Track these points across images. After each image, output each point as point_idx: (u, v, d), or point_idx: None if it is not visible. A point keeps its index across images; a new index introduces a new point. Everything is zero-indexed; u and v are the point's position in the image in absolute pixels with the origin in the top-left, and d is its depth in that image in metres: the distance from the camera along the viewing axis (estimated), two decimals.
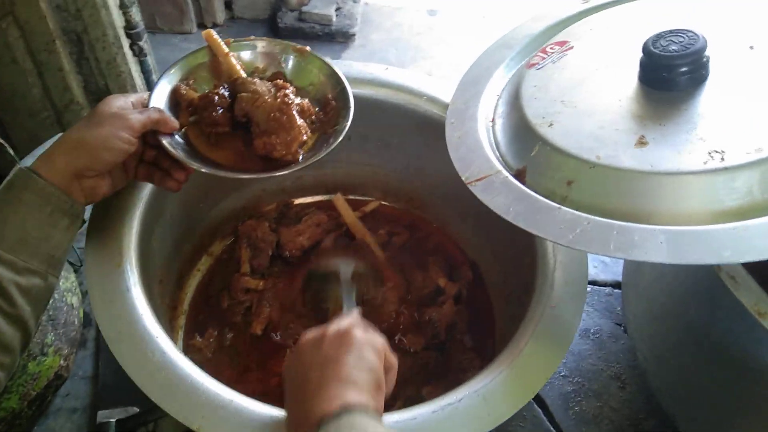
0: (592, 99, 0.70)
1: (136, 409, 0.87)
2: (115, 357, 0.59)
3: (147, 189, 0.73)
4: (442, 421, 0.56)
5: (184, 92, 0.71)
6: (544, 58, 0.78)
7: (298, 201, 1.02)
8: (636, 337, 0.81)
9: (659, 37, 0.66)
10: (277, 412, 0.56)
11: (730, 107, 0.62)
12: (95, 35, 1.57)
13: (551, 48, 0.79)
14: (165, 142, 0.66)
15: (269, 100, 0.70)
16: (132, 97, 0.65)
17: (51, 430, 0.87)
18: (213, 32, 0.77)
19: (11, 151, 1.02)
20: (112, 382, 0.90)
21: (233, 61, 0.75)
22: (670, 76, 0.65)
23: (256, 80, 0.72)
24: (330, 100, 0.75)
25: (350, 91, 0.75)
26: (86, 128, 0.61)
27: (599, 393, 0.89)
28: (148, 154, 0.68)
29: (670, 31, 0.66)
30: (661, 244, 0.56)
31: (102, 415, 0.86)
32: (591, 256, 1.07)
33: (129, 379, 0.88)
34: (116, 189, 0.67)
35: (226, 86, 0.72)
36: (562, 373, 0.91)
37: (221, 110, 0.70)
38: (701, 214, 0.58)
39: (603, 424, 0.86)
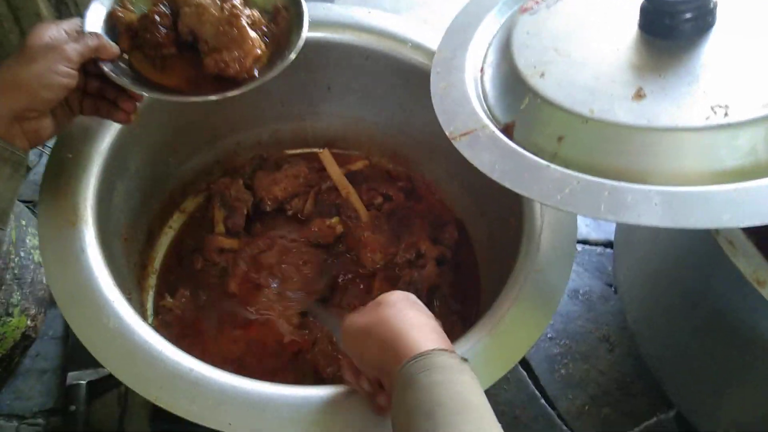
0: (587, 48, 0.65)
1: (108, 371, 0.84)
2: (73, 330, 0.55)
3: (106, 141, 0.68)
4: None
5: (121, 14, 0.64)
6: (538, 3, 0.72)
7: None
8: (626, 299, 0.78)
9: None
10: (240, 381, 0.53)
11: (737, 58, 0.57)
12: None
13: None
14: (107, 69, 0.60)
15: (215, 13, 0.64)
16: (64, 25, 0.59)
17: (20, 391, 0.85)
18: None
19: None
20: (82, 343, 0.87)
21: None
22: (673, 22, 0.60)
23: None
24: (280, 9, 0.69)
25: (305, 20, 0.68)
26: (19, 65, 0.55)
27: (587, 355, 0.87)
28: (90, 85, 0.62)
29: None
30: (655, 206, 0.52)
31: (72, 377, 0.83)
32: None
33: None
34: (62, 128, 0.62)
35: (166, 2, 0.66)
36: (549, 335, 0.88)
37: (164, 30, 0.64)
38: (700, 174, 0.54)
39: (589, 387, 0.84)
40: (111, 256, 0.63)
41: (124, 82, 0.60)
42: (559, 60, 0.65)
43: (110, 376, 0.83)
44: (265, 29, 0.67)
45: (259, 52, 0.65)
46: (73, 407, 0.80)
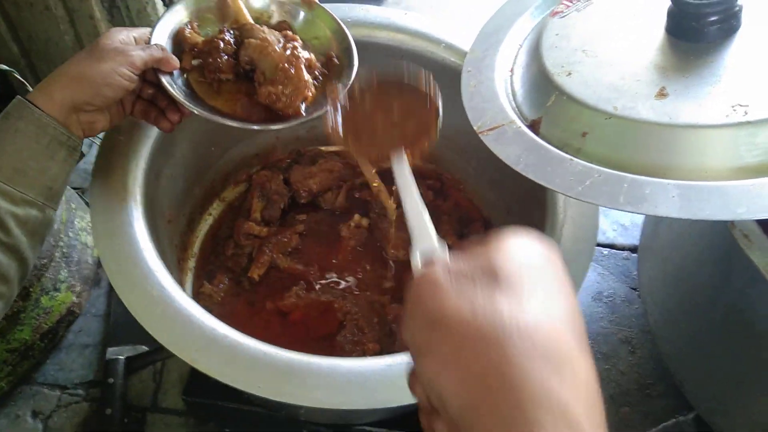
0: (614, 49, 0.67)
1: (145, 348, 0.89)
2: (117, 293, 0.59)
3: (155, 128, 0.73)
4: None
5: (188, 35, 0.69)
6: (569, 6, 0.75)
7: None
8: (648, 301, 0.79)
9: None
10: (271, 349, 0.56)
11: (760, 61, 0.59)
12: None
13: None
14: (164, 81, 0.65)
15: (278, 50, 0.69)
16: (135, 32, 0.64)
17: (63, 363, 0.90)
18: None
19: (21, 78, 1.03)
20: (123, 321, 0.92)
21: (241, 5, 0.73)
22: (699, 25, 0.61)
23: (264, 28, 0.71)
24: (333, 57, 0.74)
25: (355, 49, 0.73)
26: (87, 62, 0.60)
27: (608, 356, 0.88)
28: (145, 91, 0.67)
29: None
30: (672, 198, 0.53)
31: (111, 352, 0.88)
32: (611, 219, 1.04)
33: None
34: (113, 125, 0.66)
35: (232, 32, 0.70)
36: None
37: (225, 57, 0.69)
38: (719, 169, 0.55)
39: (610, 386, 0.85)
40: (156, 234, 0.67)
41: (178, 96, 0.65)
42: (586, 60, 0.67)
43: (147, 353, 0.88)
44: (317, 73, 0.72)
45: (309, 94, 0.69)
46: (111, 380, 0.84)
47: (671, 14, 0.64)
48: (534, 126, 0.67)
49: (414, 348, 0.30)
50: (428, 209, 0.95)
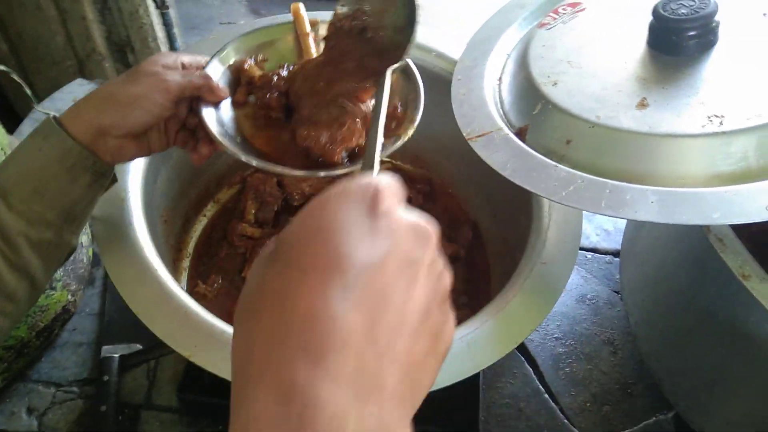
0: (598, 60, 0.70)
1: (139, 346, 0.90)
2: (117, 289, 0.61)
3: None
4: None
5: (248, 67, 0.64)
6: (555, 19, 0.78)
7: None
8: (629, 302, 0.82)
9: (670, 0, 0.65)
10: None
11: (736, 74, 0.62)
12: None
13: (563, 9, 0.79)
14: (203, 111, 0.60)
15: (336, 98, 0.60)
16: (185, 57, 0.60)
17: (57, 361, 0.91)
18: (301, 6, 0.69)
19: (28, 90, 1.04)
20: (117, 320, 0.93)
21: (311, 42, 0.68)
22: (678, 39, 0.65)
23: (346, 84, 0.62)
24: (397, 108, 0.67)
25: (421, 106, 0.67)
26: (122, 84, 0.57)
27: (590, 356, 0.90)
28: (190, 121, 0.62)
29: None
30: (651, 204, 0.56)
31: (106, 350, 0.89)
32: (594, 224, 1.07)
33: (134, 317, 0.92)
34: (152, 152, 0.62)
35: (290, 68, 0.65)
36: (555, 335, 0.92)
37: (276, 93, 0.63)
38: (695, 177, 0.59)
39: (592, 386, 0.87)
40: (153, 233, 0.69)
41: (210, 129, 0.59)
42: (571, 71, 0.70)
43: (141, 352, 0.90)
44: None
45: (356, 143, 0.60)
46: (106, 377, 0.86)
47: (652, 29, 0.67)
48: (521, 133, 0.70)
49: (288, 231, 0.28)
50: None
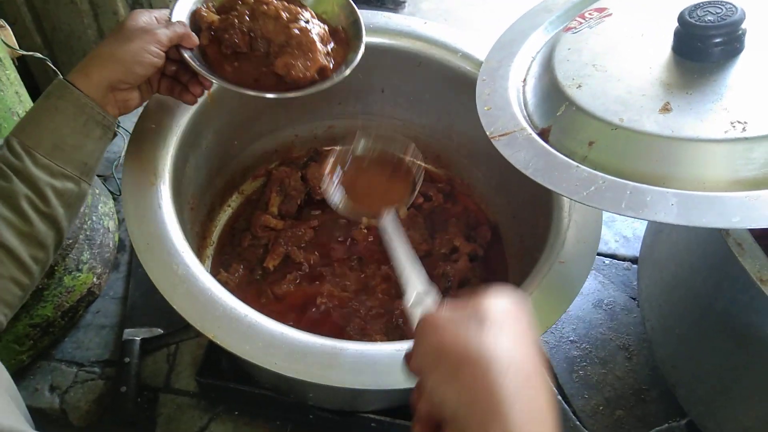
0: (623, 65, 0.71)
1: (160, 331, 0.92)
2: (144, 273, 0.63)
3: (184, 118, 0.77)
4: None
5: (205, 14, 0.72)
6: (581, 23, 0.79)
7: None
8: (646, 307, 0.82)
9: (697, 7, 0.66)
10: (287, 330, 0.60)
11: (760, 81, 0.62)
12: None
13: (590, 14, 0.80)
14: (186, 55, 0.68)
15: (289, 22, 0.71)
16: (156, 13, 0.68)
17: (80, 341, 0.93)
18: None
19: (53, 66, 1.07)
20: (140, 304, 0.95)
21: None
22: (704, 46, 0.65)
23: (276, 2, 0.73)
24: (342, 30, 0.77)
25: (363, 22, 0.76)
26: (117, 43, 0.63)
27: (605, 361, 0.91)
28: (169, 68, 0.70)
29: (709, 2, 0.66)
30: (671, 206, 0.57)
31: (128, 333, 0.91)
32: (613, 230, 1.08)
33: (155, 302, 0.94)
34: (143, 102, 0.70)
35: (244, 7, 0.73)
36: (571, 338, 0.93)
37: (241, 33, 0.71)
38: (716, 181, 0.59)
39: (605, 390, 0.88)
40: (181, 219, 0.71)
41: (200, 69, 0.68)
42: (595, 74, 0.71)
43: (162, 336, 0.92)
44: (328, 47, 0.74)
45: (324, 63, 0.72)
46: (127, 359, 0.88)
47: (678, 35, 0.68)
48: (544, 134, 0.71)
49: (421, 369, 0.40)
50: (438, 212, 0.99)
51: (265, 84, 0.72)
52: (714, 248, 0.66)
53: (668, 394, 0.86)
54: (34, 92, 0.84)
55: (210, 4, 0.75)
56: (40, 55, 1.02)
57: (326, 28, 0.75)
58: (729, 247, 0.58)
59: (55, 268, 0.86)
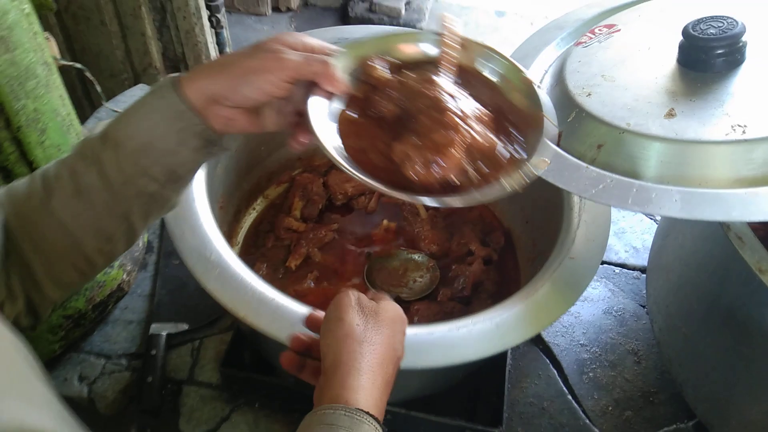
0: (630, 75, 0.75)
1: (186, 326, 0.96)
2: (171, 273, 0.67)
3: None
4: (456, 339, 0.62)
5: (379, 66, 0.60)
6: (591, 38, 0.84)
7: None
8: (654, 310, 0.85)
9: (700, 21, 0.70)
10: (310, 311, 0.64)
11: (760, 89, 0.67)
12: (178, 4, 1.69)
13: (599, 30, 0.84)
14: (310, 101, 0.56)
15: (433, 95, 0.56)
16: (312, 40, 0.57)
17: (108, 335, 0.97)
18: (453, 18, 0.65)
19: (99, 88, 1.13)
20: (166, 302, 1.00)
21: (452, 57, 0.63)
22: (707, 57, 0.69)
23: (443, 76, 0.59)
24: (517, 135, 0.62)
25: (551, 119, 0.63)
26: (240, 56, 0.55)
27: (615, 364, 0.93)
28: (303, 106, 0.58)
29: (712, 17, 0.70)
30: (675, 201, 0.61)
31: (154, 328, 0.96)
32: (623, 241, 1.11)
33: (182, 299, 0.98)
34: (266, 130, 0.60)
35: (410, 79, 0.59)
36: (581, 342, 0.95)
37: (392, 104, 0.58)
38: (718, 180, 0.63)
39: (615, 391, 0.90)
40: (214, 216, 0.76)
41: (311, 123, 0.56)
42: (604, 84, 0.75)
43: (187, 331, 0.96)
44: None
45: (461, 166, 0.56)
46: (153, 351, 0.92)
47: (682, 47, 0.72)
48: (556, 138, 0.75)
49: (325, 326, 0.55)
50: (456, 216, 1.02)
51: (379, 166, 0.57)
52: (718, 246, 0.70)
53: (677, 397, 0.88)
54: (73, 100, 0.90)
55: (390, 61, 0.62)
56: (80, 66, 1.09)
57: (491, 138, 0.59)
58: (730, 241, 0.62)
59: None
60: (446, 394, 0.82)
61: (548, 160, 0.63)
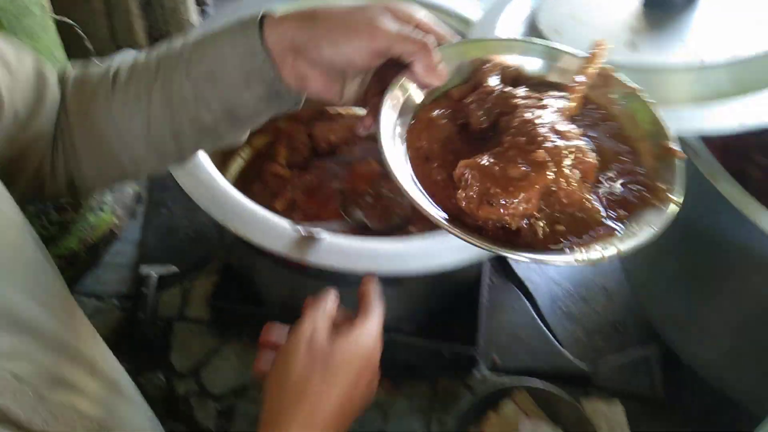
0: (597, 16, 0.80)
1: (175, 269, 1.00)
2: (160, 220, 0.71)
3: None
4: (434, 249, 0.67)
5: (488, 68, 0.53)
6: None
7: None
8: None
9: None
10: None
11: (716, 24, 0.72)
12: None
13: None
14: (392, 89, 0.49)
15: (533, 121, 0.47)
16: (426, 18, 0.50)
17: (100, 278, 1.01)
18: (604, 44, 0.59)
19: (89, 44, 1.16)
20: (156, 246, 1.03)
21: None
22: None
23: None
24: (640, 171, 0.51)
25: (681, 167, 0.50)
26: (339, 10, 0.48)
27: (586, 299, 0.99)
28: (365, 82, 0.53)
29: None
30: None
31: (144, 269, 0.99)
32: None
33: (171, 244, 1.01)
34: (343, 101, 0.53)
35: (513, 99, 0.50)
36: (555, 279, 1.01)
37: (485, 116, 0.50)
38: (677, 101, 0.68)
39: (585, 322, 0.95)
40: None
41: (381, 117, 0.48)
42: (573, 24, 0.80)
43: (177, 274, 0.99)
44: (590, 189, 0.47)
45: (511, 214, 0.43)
46: (144, 290, 0.95)
47: None
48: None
49: (274, 362, 0.51)
50: None
51: (438, 180, 0.48)
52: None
53: (645, 327, 0.94)
54: None
55: (509, 67, 0.55)
56: (69, 21, 1.11)
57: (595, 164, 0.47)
58: (687, 154, 0.67)
59: (81, 205, 0.93)
60: (424, 325, 0.86)
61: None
